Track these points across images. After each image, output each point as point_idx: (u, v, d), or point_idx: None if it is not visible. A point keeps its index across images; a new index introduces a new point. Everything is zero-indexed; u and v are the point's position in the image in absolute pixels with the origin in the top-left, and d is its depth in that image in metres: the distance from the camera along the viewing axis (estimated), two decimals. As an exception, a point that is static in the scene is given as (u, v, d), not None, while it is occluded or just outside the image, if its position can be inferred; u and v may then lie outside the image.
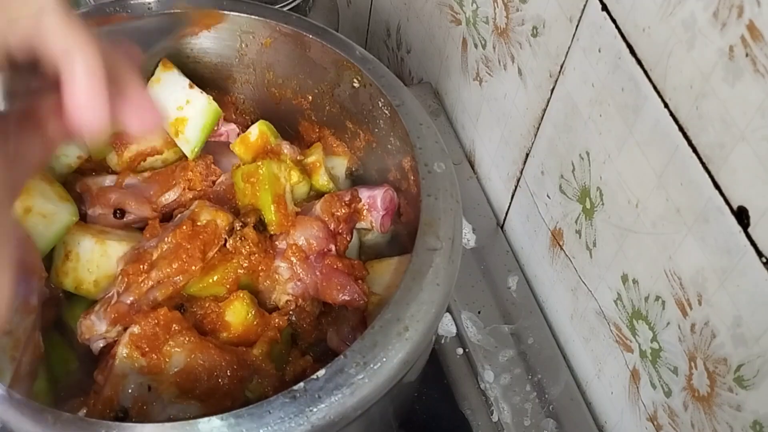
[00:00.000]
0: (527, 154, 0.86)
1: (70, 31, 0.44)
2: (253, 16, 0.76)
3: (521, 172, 0.89)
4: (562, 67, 0.76)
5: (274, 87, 0.81)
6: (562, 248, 0.83)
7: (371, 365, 0.56)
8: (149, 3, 0.76)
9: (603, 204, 0.73)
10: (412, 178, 0.70)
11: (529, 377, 0.84)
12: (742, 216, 0.56)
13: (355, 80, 0.74)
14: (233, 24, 0.77)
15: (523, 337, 0.86)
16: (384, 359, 0.57)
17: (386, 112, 0.72)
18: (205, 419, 0.53)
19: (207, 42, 0.79)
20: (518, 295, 0.89)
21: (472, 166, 1.00)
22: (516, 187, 0.91)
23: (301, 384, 0.55)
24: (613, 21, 0.66)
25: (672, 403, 0.69)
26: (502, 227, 0.95)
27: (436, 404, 0.82)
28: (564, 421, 0.81)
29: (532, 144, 0.85)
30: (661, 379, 0.70)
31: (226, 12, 0.76)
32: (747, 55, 0.52)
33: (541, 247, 0.87)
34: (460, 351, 0.86)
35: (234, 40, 0.79)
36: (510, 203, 0.93)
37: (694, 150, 0.60)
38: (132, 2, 0.75)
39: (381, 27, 1.20)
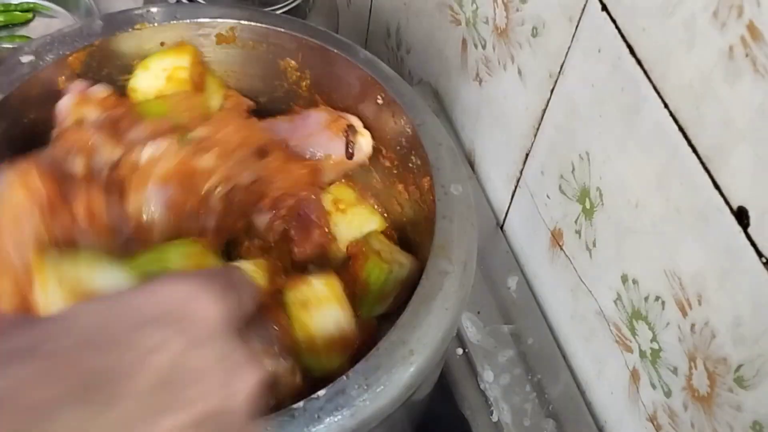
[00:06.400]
0: (527, 155, 0.86)
1: None
2: (280, 29, 0.76)
3: (521, 173, 0.89)
4: (561, 67, 0.76)
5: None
6: (561, 248, 0.83)
7: (374, 388, 0.55)
8: (155, 12, 0.75)
9: (603, 204, 0.73)
10: (430, 198, 0.69)
11: (529, 377, 0.84)
12: (742, 216, 0.56)
13: (378, 97, 0.73)
14: (260, 36, 0.77)
15: (523, 337, 0.86)
16: (387, 383, 0.55)
17: (408, 130, 0.71)
18: None
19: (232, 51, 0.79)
20: (518, 296, 0.89)
21: (472, 166, 1.00)
22: (516, 188, 0.91)
23: (301, 403, 0.54)
24: (613, 21, 0.66)
25: (672, 403, 0.69)
26: (501, 227, 0.95)
27: (436, 404, 0.81)
28: (564, 421, 0.81)
29: (532, 144, 0.85)
30: (661, 379, 0.70)
31: (252, 23, 0.76)
32: (747, 55, 0.53)
33: (540, 247, 0.87)
34: (460, 351, 0.86)
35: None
36: (510, 203, 0.93)
37: (694, 150, 0.60)
38: (136, 13, 0.74)
39: (381, 27, 1.20)
